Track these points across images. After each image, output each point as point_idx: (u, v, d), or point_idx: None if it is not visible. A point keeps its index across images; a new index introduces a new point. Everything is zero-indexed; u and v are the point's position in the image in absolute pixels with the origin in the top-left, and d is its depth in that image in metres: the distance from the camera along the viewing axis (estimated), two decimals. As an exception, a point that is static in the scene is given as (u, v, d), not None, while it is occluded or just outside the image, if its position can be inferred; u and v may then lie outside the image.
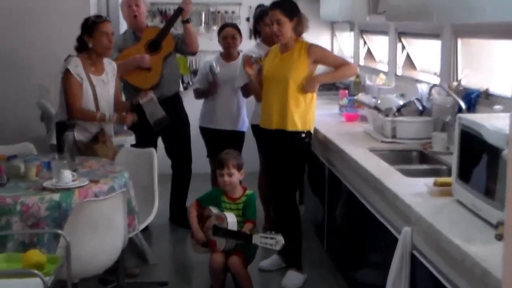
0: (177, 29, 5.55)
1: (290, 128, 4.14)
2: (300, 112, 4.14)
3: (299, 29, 4.16)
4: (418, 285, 2.63)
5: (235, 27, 5.31)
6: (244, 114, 5.28)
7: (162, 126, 4.52)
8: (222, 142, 4.97)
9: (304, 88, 4.11)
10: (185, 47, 5.08)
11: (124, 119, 4.29)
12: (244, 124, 5.27)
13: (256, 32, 5.23)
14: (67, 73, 4.10)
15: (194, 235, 3.93)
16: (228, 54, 5.23)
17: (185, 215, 5.21)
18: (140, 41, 4.98)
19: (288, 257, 4.30)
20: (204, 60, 5.72)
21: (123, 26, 5.55)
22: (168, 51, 5.04)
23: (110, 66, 4.31)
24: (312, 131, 4.25)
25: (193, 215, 3.98)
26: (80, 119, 4.14)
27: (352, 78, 5.87)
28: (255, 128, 4.78)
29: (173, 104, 5.08)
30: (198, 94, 5.33)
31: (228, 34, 5.19)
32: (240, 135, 5.27)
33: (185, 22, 5.00)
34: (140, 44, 4.96)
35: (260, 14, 5.00)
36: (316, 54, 4.17)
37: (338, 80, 4.84)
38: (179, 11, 4.97)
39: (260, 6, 5.24)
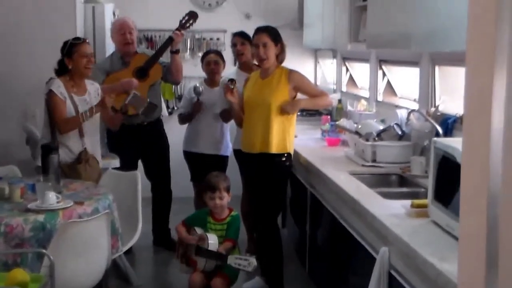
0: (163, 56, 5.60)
1: (273, 151, 4.21)
2: (281, 135, 4.23)
3: (281, 56, 4.27)
4: (395, 304, 2.69)
5: (218, 54, 5.39)
6: (228, 139, 5.34)
7: (153, 113, 4.73)
8: (205, 166, 5.00)
9: (285, 109, 4.17)
10: (170, 76, 5.17)
11: (102, 101, 4.22)
12: (228, 149, 5.32)
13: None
14: (50, 94, 4.15)
15: (186, 240, 3.99)
16: (211, 80, 5.28)
17: (168, 237, 5.27)
18: (128, 67, 5.04)
19: (270, 279, 4.35)
20: (189, 85, 5.79)
21: (110, 48, 5.61)
22: (155, 80, 5.10)
23: (92, 87, 4.37)
24: (292, 153, 4.33)
25: (181, 229, 4.08)
26: (67, 130, 4.17)
27: (335, 104, 5.99)
28: (237, 152, 4.83)
29: (154, 128, 5.22)
30: (183, 119, 5.36)
31: (211, 60, 5.26)
32: (224, 159, 5.33)
33: (174, 52, 5.09)
34: (128, 70, 5.01)
35: (233, 39, 5.17)
36: (296, 80, 4.25)
37: (316, 107, 4.87)
38: (170, 40, 5.06)
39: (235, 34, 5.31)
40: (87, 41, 4.37)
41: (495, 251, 0.99)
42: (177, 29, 5.10)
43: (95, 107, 4.22)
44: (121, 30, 5.08)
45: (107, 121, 4.49)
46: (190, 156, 5.36)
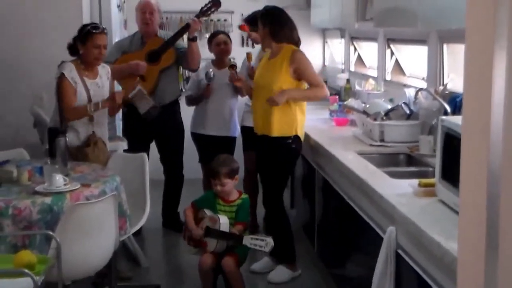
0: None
1: (273, 134, 4.21)
2: (285, 118, 4.20)
3: (276, 36, 4.22)
4: (403, 282, 2.68)
5: (226, 34, 5.40)
6: (236, 120, 5.33)
7: (153, 116, 4.63)
8: (213, 147, 5.03)
9: (271, 99, 4.10)
10: (185, 63, 5.16)
11: (113, 97, 4.22)
12: (236, 130, 5.33)
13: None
14: (61, 77, 4.13)
15: (192, 231, 3.97)
16: (220, 60, 5.28)
17: (177, 220, 5.28)
18: (143, 48, 5.04)
19: (280, 254, 4.36)
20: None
21: (116, 35, 5.61)
22: (166, 65, 5.07)
23: (103, 70, 4.35)
24: (300, 136, 4.30)
25: (189, 214, 4.04)
26: (74, 119, 4.16)
27: (343, 84, 5.96)
28: (243, 129, 5.08)
29: (170, 112, 5.16)
30: (190, 101, 5.38)
31: (220, 41, 5.26)
32: (232, 140, 5.33)
33: (191, 40, 5.04)
34: (142, 52, 5.02)
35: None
36: (297, 62, 4.18)
37: (308, 100, 4.36)
38: (186, 27, 5.04)
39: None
40: (105, 31, 4.29)
41: (496, 228, 0.97)
42: (196, 15, 5.07)
43: (102, 103, 4.20)
44: (143, 9, 5.08)
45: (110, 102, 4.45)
46: (198, 138, 5.37)
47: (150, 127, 5.03)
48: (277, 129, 4.20)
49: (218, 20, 6.93)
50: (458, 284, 1.20)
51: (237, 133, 5.32)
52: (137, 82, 4.68)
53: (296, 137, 4.26)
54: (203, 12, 5.08)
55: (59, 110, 4.18)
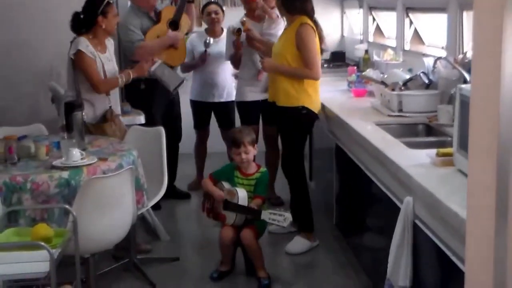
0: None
1: (280, 103, 4.31)
2: (292, 88, 4.25)
3: (288, 6, 4.24)
4: (420, 252, 2.66)
5: (218, 4, 5.64)
6: (232, 85, 5.55)
7: (179, 87, 4.84)
8: (212, 113, 5.59)
9: (262, 63, 4.33)
10: None
11: (141, 66, 4.41)
12: (232, 95, 5.52)
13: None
14: (80, 54, 4.13)
15: (214, 194, 3.96)
16: (212, 30, 5.50)
17: (174, 189, 5.39)
18: (159, 21, 5.05)
19: (299, 223, 4.37)
20: (189, 36, 5.79)
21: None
22: (187, 30, 5.21)
23: (109, 43, 4.38)
24: (312, 108, 4.31)
25: (208, 182, 4.04)
26: (106, 91, 4.25)
27: (361, 55, 5.89)
28: (238, 104, 5.27)
29: None
30: (186, 67, 5.60)
31: (211, 10, 5.48)
32: (229, 104, 5.54)
33: (190, 1, 5.21)
34: (161, 24, 5.04)
35: None
36: (298, 35, 4.19)
37: (292, 76, 4.26)
38: None
39: None
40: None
41: (505, 199, 0.94)
42: None
43: (132, 72, 4.32)
44: None
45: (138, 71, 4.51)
46: (196, 105, 5.61)
47: (165, 98, 5.11)
48: (284, 99, 4.29)
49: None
50: (466, 249, 1.18)
51: (233, 97, 5.49)
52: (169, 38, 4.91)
53: (304, 107, 4.27)
54: None
55: (75, 84, 4.18)
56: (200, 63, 5.45)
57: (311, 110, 4.29)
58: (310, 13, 4.27)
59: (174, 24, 5.03)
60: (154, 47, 4.82)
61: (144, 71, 4.45)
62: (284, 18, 4.62)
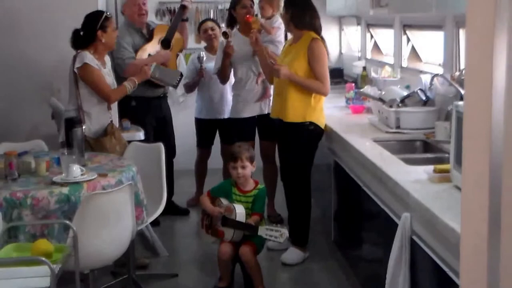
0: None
1: (288, 119, 4.31)
2: (300, 104, 4.28)
3: (296, 22, 4.28)
4: (418, 268, 2.68)
5: (213, 21, 5.77)
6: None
7: (179, 81, 4.95)
8: (215, 130, 5.61)
9: (276, 70, 4.21)
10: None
11: (143, 71, 4.55)
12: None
13: (231, 20, 5.25)
14: (87, 66, 4.16)
15: (211, 212, 3.98)
16: (211, 46, 5.58)
17: (173, 205, 5.36)
18: (150, 39, 5.08)
19: (294, 235, 4.39)
20: (191, 56, 5.85)
21: None
22: (179, 49, 5.25)
23: (106, 59, 4.43)
24: (319, 123, 4.34)
25: (206, 200, 4.06)
26: (116, 99, 4.37)
27: (359, 71, 5.94)
28: (232, 120, 5.22)
29: (167, 100, 5.41)
30: (188, 87, 5.65)
31: (207, 27, 5.57)
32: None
33: (184, 20, 5.28)
34: (153, 42, 5.07)
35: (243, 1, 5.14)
36: (311, 50, 4.23)
37: (305, 88, 4.27)
38: (183, 8, 5.19)
39: None
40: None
41: (498, 206, 0.97)
42: None
43: (137, 77, 4.45)
44: (136, 0, 5.09)
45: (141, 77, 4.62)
46: (201, 123, 5.64)
47: (157, 114, 5.18)
48: (292, 115, 4.29)
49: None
50: (461, 266, 1.20)
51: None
52: (158, 55, 4.94)
53: (312, 123, 4.30)
54: None
55: (76, 98, 4.20)
56: (198, 79, 5.50)
57: (318, 125, 4.33)
58: (318, 30, 4.34)
59: (166, 43, 5.04)
60: (140, 65, 4.72)
61: (148, 75, 4.57)
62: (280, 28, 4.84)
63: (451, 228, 2.22)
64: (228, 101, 5.45)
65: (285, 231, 3.76)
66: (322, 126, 4.36)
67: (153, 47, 5.03)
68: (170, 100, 5.63)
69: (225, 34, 5.03)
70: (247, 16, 4.91)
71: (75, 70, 4.19)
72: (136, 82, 4.44)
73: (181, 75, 4.98)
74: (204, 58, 5.42)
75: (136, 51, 4.97)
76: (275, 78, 4.42)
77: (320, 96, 4.33)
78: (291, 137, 4.35)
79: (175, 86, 5.07)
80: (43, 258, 2.57)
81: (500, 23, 0.97)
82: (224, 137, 5.59)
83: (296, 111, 4.28)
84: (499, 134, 0.98)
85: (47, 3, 5.49)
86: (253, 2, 5.10)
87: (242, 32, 5.07)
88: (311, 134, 4.32)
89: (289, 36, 5.29)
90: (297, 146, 4.35)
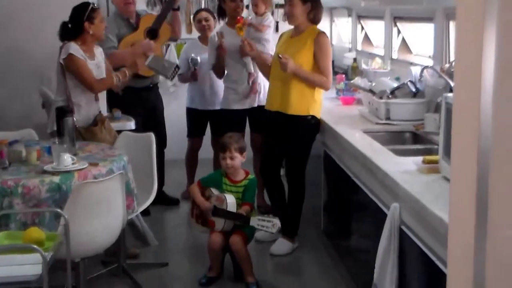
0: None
1: (291, 112, 4.29)
2: (302, 97, 4.27)
3: (311, 15, 4.27)
4: (406, 258, 2.71)
5: (208, 11, 5.70)
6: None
7: (175, 72, 4.86)
8: (207, 121, 5.57)
9: (283, 63, 4.13)
10: (173, 33, 5.26)
11: (134, 63, 4.48)
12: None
13: (220, 12, 5.29)
14: (71, 56, 4.15)
15: (201, 205, 4.01)
16: (204, 37, 5.51)
17: (163, 195, 5.39)
18: (137, 29, 5.05)
19: (284, 225, 4.42)
20: (184, 46, 5.84)
21: None
22: (166, 39, 5.21)
23: (98, 51, 4.39)
24: (318, 116, 4.36)
25: (196, 190, 4.08)
26: (102, 90, 4.33)
27: (350, 63, 5.96)
28: (224, 111, 5.20)
29: (157, 90, 5.41)
30: (182, 79, 5.62)
31: (201, 17, 5.52)
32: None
33: (175, 9, 5.22)
34: (139, 32, 5.03)
35: None
36: (319, 44, 4.24)
37: (310, 82, 4.27)
38: None
39: None
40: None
41: (485, 197, 0.99)
42: None
43: (127, 70, 4.39)
44: None
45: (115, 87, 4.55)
46: (192, 113, 5.63)
47: (143, 105, 5.15)
48: (294, 108, 4.28)
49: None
50: (448, 255, 1.23)
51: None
52: (146, 44, 4.85)
53: (313, 117, 4.32)
54: None
55: (65, 89, 4.20)
56: (192, 80, 5.48)
57: (317, 118, 4.35)
58: (317, 23, 4.38)
59: (152, 33, 5.00)
60: (124, 55, 4.74)
61: (138, 67, 4.49)
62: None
63: (439, 218, 2.25)
64: (219, 93, 5.45)
65: (277, 221, 3.79)
66: (318, 118, 4.38)
67: (137, 37, 4.99)
68: (161, 90, 5.61)
69: (218, 34, 4.98)
70: (238, 18, 4.91)
71: (61, 61, 4.18)
72: (127, 74, 4.40)
73: (177, 67, 4.90)
74: (199, 60, 5.36)
75: (119, 40, 4.95)
76: (274, 71, 4.39)
77: (321, 89, 4.35)
78: (292, 130, 4.33)
79: (170, 78, 5.03)
80: (35, 246, 2.58)
81: (489, 15, 0.99)
82: (214, 129, 5.61)
83: (299, 104, 4.28)
84: (487, 126, 1.00)
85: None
86: None
87: (229, 25, 5.08)
88: (312, 127, 4.34)
89: (281, 30, 5.32)
90: (298, 139, 4.36)
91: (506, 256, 1.10)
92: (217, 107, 5.44)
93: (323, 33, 4.31)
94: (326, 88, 4.35)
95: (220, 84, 5.42)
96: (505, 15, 1.00)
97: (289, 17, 4.29)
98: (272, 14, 6.78)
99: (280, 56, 4.16)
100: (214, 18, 5.54)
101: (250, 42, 4.69)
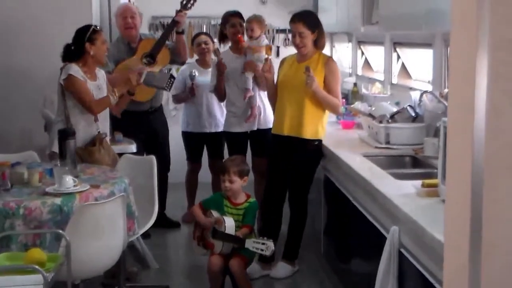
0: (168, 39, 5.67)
1: (306, 136, 4.32)
2: (314, 120, 4.32)
3: (319, 41, 4.34)
4: (406, 281, 2.72)
5: (207, 35, 5.78)
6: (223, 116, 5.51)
7: (171, 82, 4.84)
8: (205, 144, 5.61)
9: (309, 84, 4.14)
10: (178, 57, 5.25)
11: (127, 79, 4.45)
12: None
13: (222, 37, 5.34)
14: (71, 77, 4.17)
15: (203, 223, 4.03)
16: (203, 60, 5.60)
17: (164, 218, 5.38)
18: (135, 53, 5.07)
19: (286, 249, 4.42)
20: (181, 68, 5.85)
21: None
22: (164, 64, 5.14)
23: (99, 73, 4.42)
24: (323, 140, 4.40)
25: (197, 210, 4.11)
26: (100, 111, 4.29)
27: (350, 88, 6.01)
28: (226, 134, 5.24)
29: (159, 114, 5.38)
30: (178, 99, 5.70)
31: (201, 41, 5.58)
32: (221, 135, 5.51)
33: (180, 33, 5.20)
34: (136, 56, 5.04)
35: (225, 16, 5.23)
36: (329, 69, 4.31)
37: (326, 104, 4.32)
38: (174, 23, 5.12)
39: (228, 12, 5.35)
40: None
41: (479, 220, 1.01)
42: (179, 10, 5.13)
43: (123, 87, 4.40)
44: (123, 14, 5.13)
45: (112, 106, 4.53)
46: (188, 136, 5.65)
47: (144, 129, 5.18)
48: (309, 131, 4.32)
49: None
50: (444, 278, 1.25)
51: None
52: (141, 68, 4.76)
53: (320, 141, 4.38)
54: (184, 6, 5.12)
55: (65, 111, 4.22)
56: (189, 96, 5.51)
57: (321, 142, 4.38)
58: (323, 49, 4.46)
59: (149, 58, 5.01)
60: (116, 79, 4.69)
61: (133, 84, 4.44)
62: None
63: (438, 241, 2.27)
64: (214, 115, 5.50)
65: (270, 244, 3.81)
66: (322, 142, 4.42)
67: (134, 62, 4.98)
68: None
69: (215, 52, 5.08)
70: (238, 36, 4.99)
71: (61, 81, 4.22)
72: (120, 93, 4.35)
73: (172, 76, 4.87)
74: (197, 75, 5.42)
75: (117, 64, 4.98)
76: (283, 94, 4.40)
77: (328, 113, 4.41)
78: (300, 154, 4.35)
79: (167, 88, 4.93)
80: (37, 267, 2.59)
81: (482, 43, 1.03)
82: (211, 151, 5.64)
83: (312, 127, 4.32)
84: (480, 151, 1.03)
85: (41, 15, 5.50)
86: (242, 20, 5.15)
87: (232, 50, 5.15)
88: (318, 151, 4.37)
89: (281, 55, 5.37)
90: (305, 163, 4.39)
91: (500, 278, 1.12)
92: (213, 130, 5.49)
93: (332, 58, 4.41)
94: (337, 112, 4.47)
95: (216, 106, 5.47)
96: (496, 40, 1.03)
97: (300, 47, 4.30)
98: (273, 40, 6.87)
99: (308, 72, 4.16)
100: (213, 42, 5.62)
101: (272, 64, 4.72)
